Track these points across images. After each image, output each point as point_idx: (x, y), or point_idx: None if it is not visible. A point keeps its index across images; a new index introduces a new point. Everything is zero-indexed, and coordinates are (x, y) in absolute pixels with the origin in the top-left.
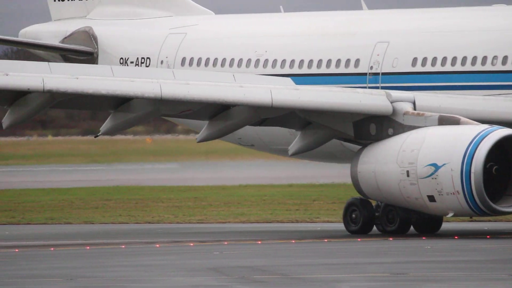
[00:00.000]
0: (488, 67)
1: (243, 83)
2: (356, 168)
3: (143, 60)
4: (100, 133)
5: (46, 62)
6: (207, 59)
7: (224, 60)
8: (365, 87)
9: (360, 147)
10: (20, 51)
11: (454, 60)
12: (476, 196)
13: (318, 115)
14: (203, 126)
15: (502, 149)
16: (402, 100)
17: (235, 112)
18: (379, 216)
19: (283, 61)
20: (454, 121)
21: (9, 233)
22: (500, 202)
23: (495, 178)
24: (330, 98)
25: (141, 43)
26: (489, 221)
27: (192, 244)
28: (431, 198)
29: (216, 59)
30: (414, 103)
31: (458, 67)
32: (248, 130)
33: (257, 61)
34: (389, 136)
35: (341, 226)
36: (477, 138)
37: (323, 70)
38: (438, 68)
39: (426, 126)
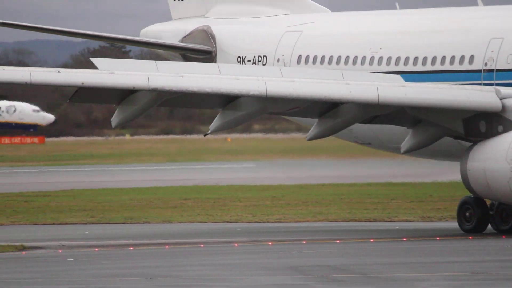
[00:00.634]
0: None
1: (350, 80)
2: (466, 166)
3: (260, 58)
4: (209, 131)
5: (153, 61)
6: (323, 57)
7: (339, 57)
8: (479, 84)
9: (471, 144)
10: (148, 51)
11: None
12: None
13: (426, 112)
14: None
15: None
16: None
17: (344, 110)
18: (493, 215)
19: (398, 59)
20: None
21: (89, 232)
22: None
23: None
24: (437, 94)
25: (258, 41)
26: None
27: (270, 244)
28: None
29: (331, 57)
30: None
31: None
32: (365, 129)
33: (372, 58)
34: (498, 133)
35: (418, 225)
36: None
37: (437, 67)
38: None
39: None
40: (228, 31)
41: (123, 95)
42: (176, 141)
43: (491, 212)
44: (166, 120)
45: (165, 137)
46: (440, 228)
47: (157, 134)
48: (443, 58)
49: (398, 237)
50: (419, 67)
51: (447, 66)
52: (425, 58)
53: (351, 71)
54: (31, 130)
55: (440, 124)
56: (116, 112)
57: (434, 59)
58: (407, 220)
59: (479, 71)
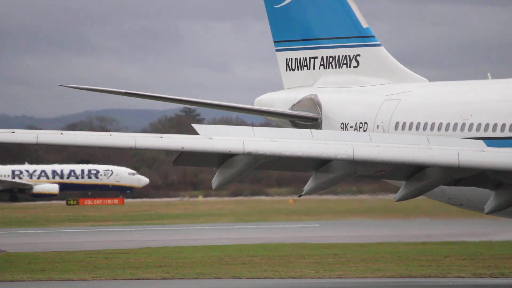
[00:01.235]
0: None
1: (433, 145)
2: None
3: (361, 124)
4: (303, 193)
5: (251, 127)
6: (418, 124)
7: (433, 124)
8: None
9: None
10: (221, 118)
11: None
12: None
13: (506, 176)
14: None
15: None
16: None
17: (429, 173)
18: None
19: (487, 125)
20: None
21: (164, 287)
22: None
23: None
24: None
25: (360, 108)
26: None
27: None
28: None
29: (426, 123)
30: None
31: None
32: (457, 190)
33: (463, 125)
34: None
35: (470, 280)
36: None
37: None
38: None
39: None
40: (333, 99)
41: (222, 158)
42: (244, 202)
43: None
44: (236, 182)
45: (234, 198)
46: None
47: (227, 196)
48: None
49: None
50: (505, 133)
51: None
52: (511, 125)
53: (437, 137)
54: (128, 191)
55: None
56: (216, 174)
57: None
58: (460, 277)
59: None
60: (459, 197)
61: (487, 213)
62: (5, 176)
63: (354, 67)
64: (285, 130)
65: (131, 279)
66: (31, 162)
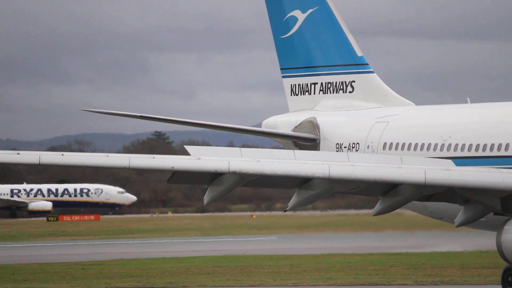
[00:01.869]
0: None
1: (404, 164)
2: (500, 237)
3: (353, 145)
4: (288, 208)
5: (238, 148)
6: (403, 144)
7: (416, 144)
8: None
9: (506, 218)
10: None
11: None
12: None
13: (471, 192)
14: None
15: None
16: None
17: (401, 190)
18: None
19: (464, 146)
20: None
21: None
22: None
23: None
24: (476, 177)
25: (353, 130)
26: None
27: None
28: None
29: (410, 144)
30: None
31: None
32: (438, 205)
33: (442, 145)
34: None
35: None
36: None
37: (495, 153)
38: None
39: None
40: (330, 122)
41: (212, 177)
42: (209, 218)
43: None
44: (202, 200)
45: (200, 214)
46: None
47: (194, 212)
48: (500, 145)
49: None
50: (480, 153)
51: (502, 152)
52: (485, 145)
53: (410, 156)
54: (116, 208)
55: (483, 202)
56: (207, 191)
57: (492, 146)
58: (403, 284)
59: None
60: (440, 211)
61: (457, 226)
62: (4, 194)
63: (350, 92)
64: (270, 151)
65: None
66: (14, 182)
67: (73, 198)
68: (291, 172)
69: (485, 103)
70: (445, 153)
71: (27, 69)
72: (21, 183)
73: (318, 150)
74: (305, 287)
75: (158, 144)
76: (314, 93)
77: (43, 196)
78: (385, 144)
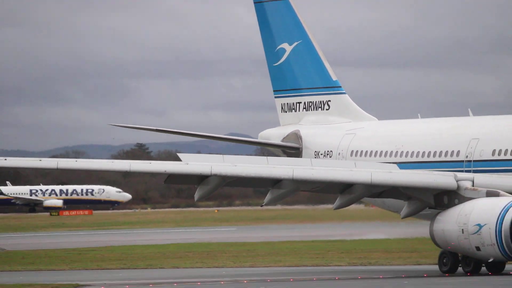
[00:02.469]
0: None
1: (355, 168)
2: (432, 227)
3: (327, 152)
4: (264, 204)
5: (221, 155)
6: (366, 151)
7: (376, 151)
8: (462, 171)
9: (437, 211)
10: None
11: None
12: (506, 247)
13: (410, 190)
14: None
15: None
16: (465, 179)
17: (355, 188)
18: (461, 261)
19: (413, 152)
20: (496, 194)
21: (122, 274)
22: None
23: None
24: (413, 178)
25: (327, 140)
26: None
27: (245, 281)
28: (478, 248)
29: (371, 151)
30: (473, 181)
31: None
32: (394, 202)
33: (396, 152)
34: (455, 204)
35: (346, 268)
36: (505, 207)
37: (437, 158)
38: (508, 157)
39: (477, 198)
40: (310, 134)
41: (199, 178)
42: (181, 212)
43: (460, 259)
44: (175, 198)
45: (174, 209)
46: (376, 270)
47: (169, 208)
48: (441, 152)
49: (333, 275)
50: (425, 159)
51: (443, 158)
52: (429, 152)
53: (362, 161)
54: (116, 205)
55: (420, 199)
56: (197, 190)
57: (435, 153)
58: (339, 265)
59: (462, 161)
60: (394, 206)
61: (403, 218)
62: (24, 194)
63: (326, 109)
64: (248, 157)
65: (98, 269)
66: (25, 184)
67: (80, 197)
68: (263, 174)
69: (431, 118)
70: (398, 159)
71: (32, 93)
72: (38, 184)
73: (301, 157)
74: (259, 268)
75: (139, 153)
76: (299, 110)
77: (56, 195)
78: (352, 151)
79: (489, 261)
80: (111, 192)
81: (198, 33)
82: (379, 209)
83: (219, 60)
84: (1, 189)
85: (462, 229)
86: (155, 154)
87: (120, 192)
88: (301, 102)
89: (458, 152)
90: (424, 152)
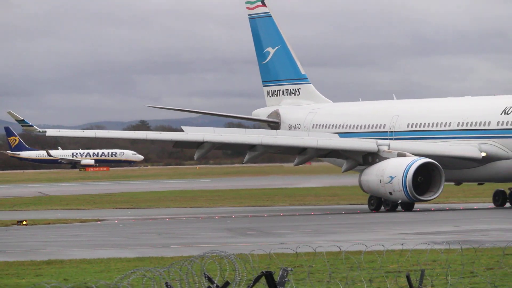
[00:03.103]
0: (437, 127)
1: (307, 136)
2: (360, 178)
3: (297, 125)
4: (244, 162)
5: (212, 128)
6: (322, 125)
7: (329, 125)
8: (386, 139)
9: (364, 167)
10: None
11: (426, 125)
12: (409, 192)
13: (345, 152)
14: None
15: (426, 168)
16: (383, 145)
17: (308, 151)
18: (383, 202)
19: (350, 125)
20: (403, 155)
21: (129, 212)
22: (424, 195)
23: (423, 183)
24: (347, 143)
25: (297, 117)
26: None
27: (217, 217)
28: (390, 194)
29: (326, 125)
30: (389, 146)
31: (426, 128)
32: (339, 160)
33: (343, 126)
34: (376, 162)
35: (287, 208)
36: (409, 163)
37: (367, 129)
38: (418, 128)
39: (391, 158)
40: (286, 112)
41: (196, 144)
42: (172, 169)
43: (383, 200)
44: (168, 158)
45: (167, 166)
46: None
47: (163, 165)
48: (373, 125)
49: (276, 213)
50: (358, 130)
51: (374, 129)
52: (362, 125)
53: (313, 132)
54: (132, 163)
55: (352, 158)
56: (196, 152)
57: (366, 125)
58: (283, 206)
59: (387, 132)
60: (340, 163)
61: (343, 172)
62: (67, 156)
63: (297, 95)
64: (231, 129)
65: (112, 208)
66: (63, 148)
67: (107, 157)
68: (242, 141)
69: (371, 100)
70: (343, 130)
71: (65, 84)
72: (78, 149)
73: (280, 129)
74: (227, 207)
75: (141, 128)
76: (279, 96)
77: (90, 156)
78: (313, 125)
79: (398, 202)
80: (129, 154)
81: (181, 41)
82: (312, 166)
83: (197, 60)
84: (50, 152)
85: (380, 180)
86: (153, 128)
87: (135, 154)
88: (280, 90)
89: (384, 125)
90: (360, 125)
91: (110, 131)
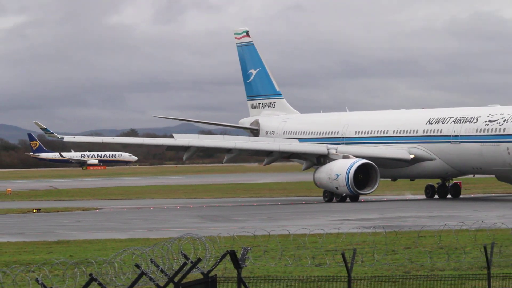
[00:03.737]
0: (383, 134)
1: (271, 141)
2: (314, 176)
3: (271, 132)
4: (224, 162)
5: (197, 134)
6: (291, 131)
7: (295, 132)
8: (338, 143)
9: (318, 166)
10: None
11: (369, 132)
12: (351, 187)
13: (303, 154)
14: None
15: (365, 167)
16: (332, 148)
17: (274, 154)
18: (335, 195)
19: (312, 132)
20: (347, 157)
21: (122, 203)
22: (363, 190)
23: (362, 180)
24: (303, 147)
25: (272, 125)
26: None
27: (191, 206)
28: (336, 188)
29: (294, 131)
30: (336, 150)
31: (369, 135)
32: (301, 161)
33: (306, 132)
34: (326, 162)
35: (269, 198)
36: (351, 164)
37: (325, 135)
38: (363, 135)
39: (338, 159)
40: (264, 121)
41: (183, 148)
42: (156, 168)
43: (335, 194)
44: (152, 159)
45: (151, 166)
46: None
47: (149, 165)
48: (329, 132)
49: (239, 204)
50: (319, 136)
51: (329, 135)
52: (321, 132)
53: (279, 138)
54: (128, 163)
55: (309, 159)
56: (184, 154)
57: (325, 132)
58: (264, 197)
59: (339, 137)
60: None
61: (303, 170)
62: (76, 157)
63: (273, 108)
64: (214, 136)
65: (108, 199)
66: (76, 151)
67: (107, 158)
68: (220, 146)
69: (329, 112)
70: (308, 136)
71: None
72: (85, 151)
73: (259, 135)
74: (199, 199)
75: (131, 135)
76: (259, 108)
77: (95, 157)
78: (284, 131)
79: (343, 195)
80: (125, 155)
81: (162, 66)
82: (270, 166)
83: (174, 81)
84: (62, 154)
85: (329, 177)
86: (141, 135)
87: (131, 155)
88: (260, 103)
89: (338, 132)
90: (320, 132)
91: (114, 137)
